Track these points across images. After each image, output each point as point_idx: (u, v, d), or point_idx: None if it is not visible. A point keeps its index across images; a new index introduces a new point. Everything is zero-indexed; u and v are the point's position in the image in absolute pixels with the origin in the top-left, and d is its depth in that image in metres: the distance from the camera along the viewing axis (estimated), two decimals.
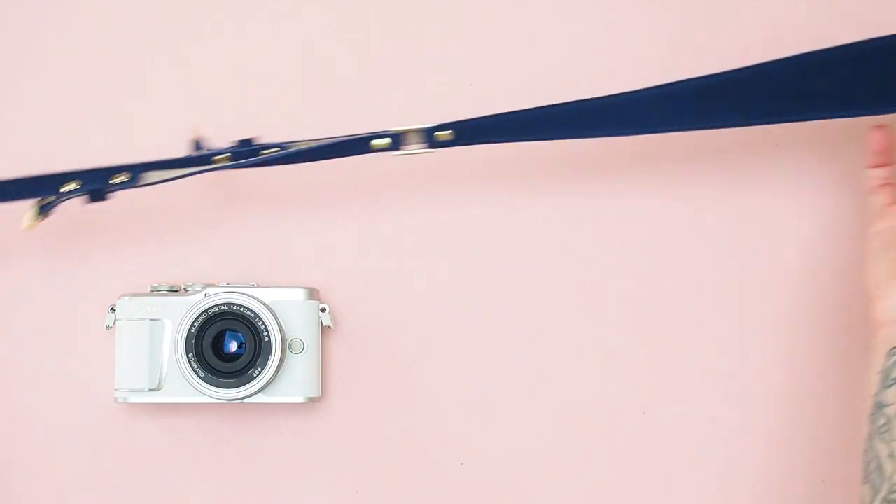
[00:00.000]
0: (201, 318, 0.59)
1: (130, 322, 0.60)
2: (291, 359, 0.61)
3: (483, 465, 0.63)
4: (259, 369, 0.59)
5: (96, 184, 0.59)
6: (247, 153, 0.60)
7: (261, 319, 0.59)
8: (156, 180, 0.60)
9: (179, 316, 0.59)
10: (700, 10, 0.66)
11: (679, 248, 0.65)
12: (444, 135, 0.58)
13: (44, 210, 0.59)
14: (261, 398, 0.60)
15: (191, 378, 0.59)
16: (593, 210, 0.65)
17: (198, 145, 0.61)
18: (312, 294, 0.62)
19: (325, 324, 0.62)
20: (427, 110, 0.66)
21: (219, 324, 0.59)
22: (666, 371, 0.64)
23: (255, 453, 0.63)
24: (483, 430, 0.64)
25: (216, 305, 0.59)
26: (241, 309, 0.59)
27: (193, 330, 0.59)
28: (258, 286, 0.61)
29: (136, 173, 0.59)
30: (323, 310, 0.62)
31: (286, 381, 0.61)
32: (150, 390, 0.60)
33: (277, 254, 0.65)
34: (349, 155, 0.60)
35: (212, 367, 0.59)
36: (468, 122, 0.59)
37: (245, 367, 0.59)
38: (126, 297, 0.61)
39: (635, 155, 0.65)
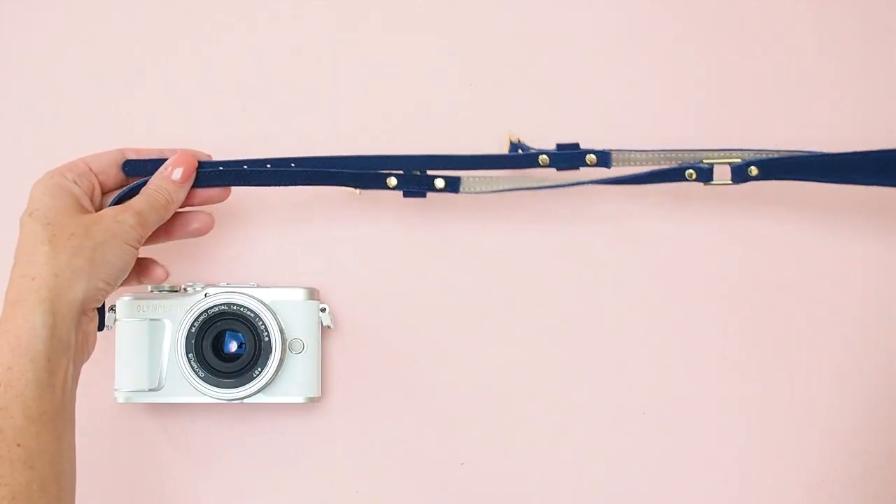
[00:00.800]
0: (201, 318, 0.59)
1: (130, 322, 0.60)
2: (291, 359, 0.61)
3: (483, 465, 0.63)
4: (259, 369, 0.59)
5: (415, 186, 0.61)
6: (569, 157, 0.61)
7: (261, 319, 0.59)
8: (477, 189, 0.61)
9: (179, 316, 0.59)
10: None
11: (681, 246, 0.65)
12: (753, 171, 0.60)
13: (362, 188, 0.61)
14: (261, 398, 0.60)
15: (191, 378, 0.59)
16: (593, 211, 0.65)
17: (514, 147, 0.62)
18: (312, 294, 0.62)
19: (325, 324, 0.62)
20: (428, 110, 0.66)
21: (219, 324, 0.59)
22: (667, 372, 0.64)
23: (255, 453, 0.63)
24: (483, 430, 0.64)
25: (216, 305, 0.59)
26: (241, 309, 0.59)
27: (193, 330, 0.59)
28: (258, 286, 0.61)
29: (454, 174, 0.61)
30: (323, 310, 0.62)
31: (286, 381, 0.61)
32: (150, 390, 0.60)
33: (277, 254, 0.65)
34: (664, 181, 0.61)
35: (212, 367, 0.59)
36: (774, 161, 0.60)
37: (245, 367, 0.59)
38: (126, 297, 0.61)
39: None
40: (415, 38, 0.67)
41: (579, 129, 0.64)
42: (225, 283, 0.61)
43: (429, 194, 0.61)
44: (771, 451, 0.63)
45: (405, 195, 0.61)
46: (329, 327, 0.62)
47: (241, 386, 0.59)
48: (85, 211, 0.54)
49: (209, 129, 0.66)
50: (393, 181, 0.60)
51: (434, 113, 0.66)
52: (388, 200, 0.65)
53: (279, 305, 0.60)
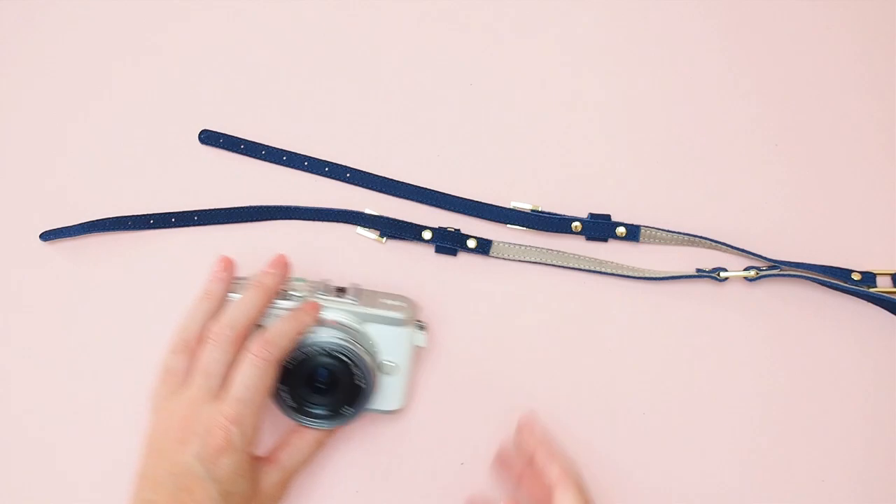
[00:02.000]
0: (298, 356, 0.55)
1: None
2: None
3: (483, 465, 0.63)
4: (349, 408, 0.57)
5: (448, 242, 0.64)
6: (601, 227, 0.64)
7: (357, 366, 0.56)
8: (506, 255, 0.64)
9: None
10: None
11: None
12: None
13: (386, 236, 0.65)
14: None
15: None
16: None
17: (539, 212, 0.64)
18: (409, 317, 0.58)
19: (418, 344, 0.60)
20: (426, 110, 0.66)
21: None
22: (667, 373, 0.64)
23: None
24: (483, 430, 0.64)
25: (314, 344, 0.55)
26: (337, 353, 0.55)
27: (290, 367, 0.56)
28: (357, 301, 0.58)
29: (486, 243, 0.64)
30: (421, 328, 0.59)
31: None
32: None
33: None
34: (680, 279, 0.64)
35: (304, 401, 0.57)
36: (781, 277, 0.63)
37: (335, 406, 0.57)
38: None
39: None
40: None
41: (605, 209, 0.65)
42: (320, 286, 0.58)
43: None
44: (771, 450, 0.64)
45: (437, 251, 0.64)
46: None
47: (329, 421, 0.57)
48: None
49: (210, 125, 0.66)
50: (428, 234, 0.64)
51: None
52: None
53: (375, 328, 0.57)
